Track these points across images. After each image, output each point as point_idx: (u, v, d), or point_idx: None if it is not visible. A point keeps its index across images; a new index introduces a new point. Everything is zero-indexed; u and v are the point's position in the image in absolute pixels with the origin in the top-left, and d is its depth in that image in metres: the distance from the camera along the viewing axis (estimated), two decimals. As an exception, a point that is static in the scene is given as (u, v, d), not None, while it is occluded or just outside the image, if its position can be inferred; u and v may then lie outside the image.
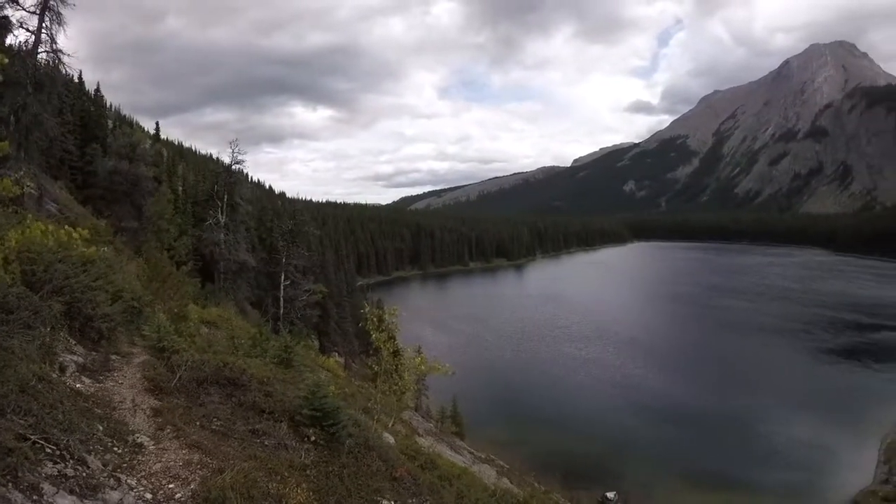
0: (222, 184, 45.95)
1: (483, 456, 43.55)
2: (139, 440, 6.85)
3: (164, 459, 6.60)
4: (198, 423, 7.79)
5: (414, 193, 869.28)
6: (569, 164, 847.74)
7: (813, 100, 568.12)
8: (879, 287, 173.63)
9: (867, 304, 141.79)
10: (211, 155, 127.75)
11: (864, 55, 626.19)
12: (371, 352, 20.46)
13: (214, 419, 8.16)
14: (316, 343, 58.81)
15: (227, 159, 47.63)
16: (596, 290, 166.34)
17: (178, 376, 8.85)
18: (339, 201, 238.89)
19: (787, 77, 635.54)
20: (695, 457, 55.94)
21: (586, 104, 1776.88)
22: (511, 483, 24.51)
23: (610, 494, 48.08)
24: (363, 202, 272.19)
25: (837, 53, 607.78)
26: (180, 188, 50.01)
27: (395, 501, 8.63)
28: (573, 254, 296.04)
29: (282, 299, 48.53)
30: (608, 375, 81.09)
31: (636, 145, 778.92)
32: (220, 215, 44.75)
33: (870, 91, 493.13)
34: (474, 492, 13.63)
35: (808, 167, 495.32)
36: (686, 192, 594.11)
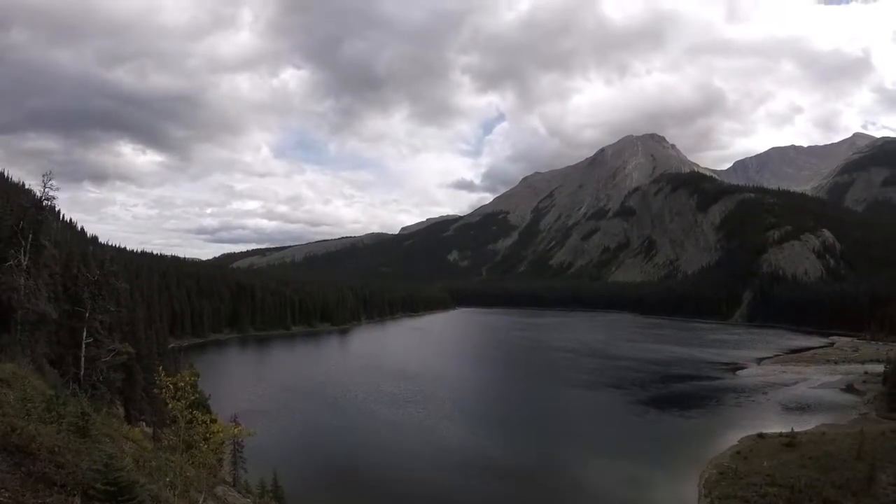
0: (29, 221, 39.73)
1: (307, 528, 41.12)
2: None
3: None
4: (-16, 495, 6.66)
5: (237, 250, 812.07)
6: (397, 232, 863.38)
7: (623, 184, 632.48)
8: (679, 343, 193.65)
9: (669, 357, 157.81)
10: (23, 184, 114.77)
11: (672, 146, 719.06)
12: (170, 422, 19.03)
13: (3, 490, 6.99)
14: (121, 410, 52.86)
15: (39, 192, 41.45)
16: (417, 354, 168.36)
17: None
18: (156, 252, 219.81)
19: (602, 163, 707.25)
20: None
21: (416, 178, 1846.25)
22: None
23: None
24: (182, 255, 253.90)
25: (648, 144, 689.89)
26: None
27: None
28: (398, 319, 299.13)
29: (83, 358, 42.49)
30: (430, 437, 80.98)
31: (461, 218, 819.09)
32: (22, 257, 38.70)
33: (674, 177, 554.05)
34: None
35: (616, 241, 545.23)
36: (505, 263, 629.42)
